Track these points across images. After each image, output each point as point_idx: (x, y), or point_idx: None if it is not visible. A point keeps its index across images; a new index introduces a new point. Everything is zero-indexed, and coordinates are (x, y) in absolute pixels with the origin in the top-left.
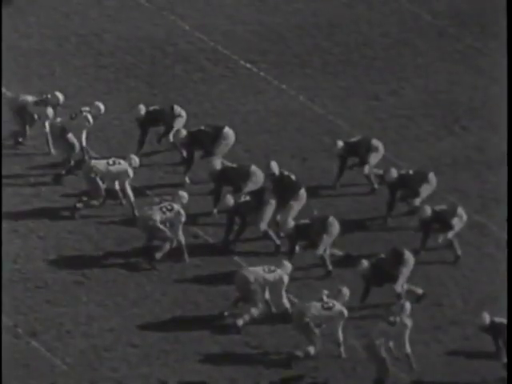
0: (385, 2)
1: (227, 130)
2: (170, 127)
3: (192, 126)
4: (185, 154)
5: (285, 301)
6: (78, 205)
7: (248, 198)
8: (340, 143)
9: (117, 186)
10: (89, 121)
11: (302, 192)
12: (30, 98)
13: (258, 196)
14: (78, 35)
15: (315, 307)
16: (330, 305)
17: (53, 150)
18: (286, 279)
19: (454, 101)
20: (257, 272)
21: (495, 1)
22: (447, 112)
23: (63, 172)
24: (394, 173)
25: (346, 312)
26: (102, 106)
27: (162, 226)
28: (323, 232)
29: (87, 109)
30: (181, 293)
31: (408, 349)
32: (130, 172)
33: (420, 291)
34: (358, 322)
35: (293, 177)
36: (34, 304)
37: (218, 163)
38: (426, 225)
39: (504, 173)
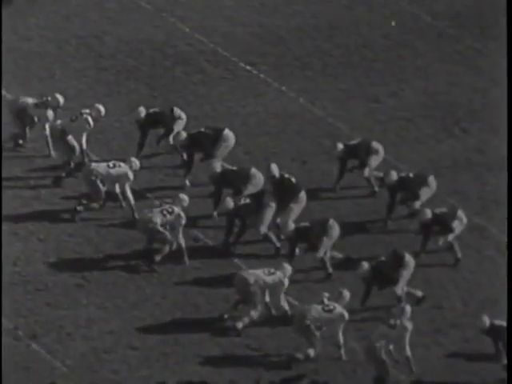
0: (385, 4)
1: (227, 132)
2: (170, 129)
3: (192, 129)
4: (185, 156)
5: (283, 303)
6: (78, 207)
7: (248, 200)
8: (340, 146)
9: (117, 188)
10: (89, 123)
11: (302, 195)
12: (30, 101)
13: (258, 199)
14: (78, 37)
15: (316, 309)
16: (331, 307)
17: (53, 153)
18: (285, 282)
19: (454, 103)
20: (257, 274)
21: (495, 2)
22: (447, 114)
23: (63, 174)
24: (393, 175)
25: (346, 314)
26: (102, 109)
27: (162, 229)
28: (323, 235)
29: (87, 111)
30: (181, 295)
31: (408, 352)
32: (131, 175)
33: (420, 294)
34: (359, 324)
35: (293, 179)
36: (34, 307)
37: (218, 166)
38: (426, 227)
39: (504, 175)
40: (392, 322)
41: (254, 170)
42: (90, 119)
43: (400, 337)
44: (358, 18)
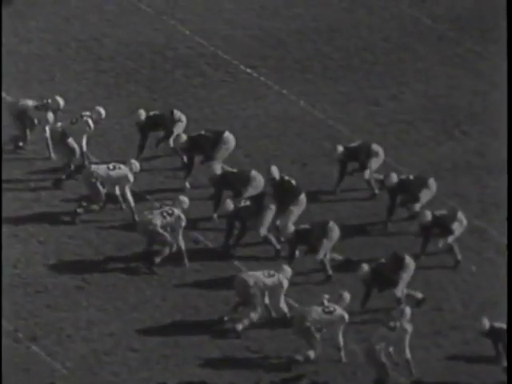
0: (385, 7)
1: (227, 134)
2: (170, 132)
3: (192, 131)
4: (185, 158)
5: (283, 305)
6: (79, 210)
7: (248, 202)
8: (340, 148)
9: (117, 190)
10: (89, 126)
11: (302, 197)
12: (30, 103)
13: (258, 201)
14: (78, 40)
15: (316, 311)
16: (331, 309)
17: (53, 155)
18: (285, 284)
19: (454, 105)
20: (256, 276)
21: (495, 5)
22: (447, 117)
23: (63, 177)
24: (394, 178)
25: (346, 316)
26: (102, 111)
27: (162, 231)
28: (323, 237)
29: (88, 113)
30: (181, 297)
31: (408, 354)
32: (131, 177)
33: (420, 296)
34: (359, 326)
35: (293, 182)
36: (34, 309)
37: (218, 168)
38: (426, 229)
39: (504, 178)
40: (392, 324)
41: (254, 173)
42: (90, 122)
43: (400, 339)
44: (358, 21)
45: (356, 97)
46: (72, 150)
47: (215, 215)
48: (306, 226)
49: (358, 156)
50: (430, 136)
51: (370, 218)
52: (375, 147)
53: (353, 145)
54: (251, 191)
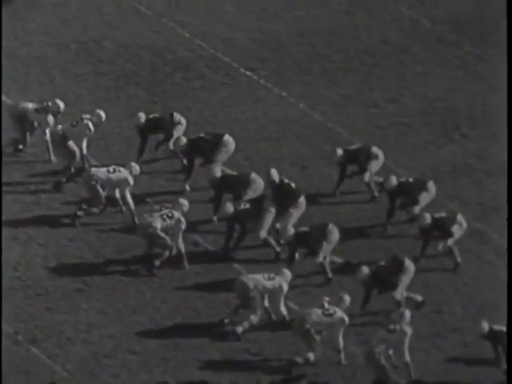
0: (384, 9)
1: (227, 137)
2: (169, 135)
3: (192, 134)
4: (185, 161)
5: (282, 308)
6: (79, 212)
7: (248, 205)
8: (339, 151)
9: (117, 193)
10: (90, 128)
11: (302, 200)
12: (30, 106)
13: (258, 203)
14: (78, 42)
15: (316, 314)
16: (331, 311)
17: (53, 158)
18: (285, 287)
19: (454, 108)
20: (256, 279)
21: (495, 7)
22: (447, 120)
23: (63, 180)
24: (393, 180)
25: (346, 319)
26: (103, 114)
27: (162, 234)
28: (323, 239)
29: (88, 116)
30: (181, 300)
31: (407, 357)
32: (131, 180)
33: (420, 298)
34: (359, 329)
35: (292, 184)
36: (34, 311)
37: (218, 170)
38: (426, 232)
39: (504, 181)
40: (391, 326)
41: (253, 175)
42: (90, 125)
43: (399, 342)
44: (357, 23)
45: (355, 99)
46: (72, 153)
47: (215, 218)
48: (306, 229)
49: (358, 159)
50: (429, 139)
51: (369, 221)
52: (375, 150)
53: (352, 147)
54: (251, 194)
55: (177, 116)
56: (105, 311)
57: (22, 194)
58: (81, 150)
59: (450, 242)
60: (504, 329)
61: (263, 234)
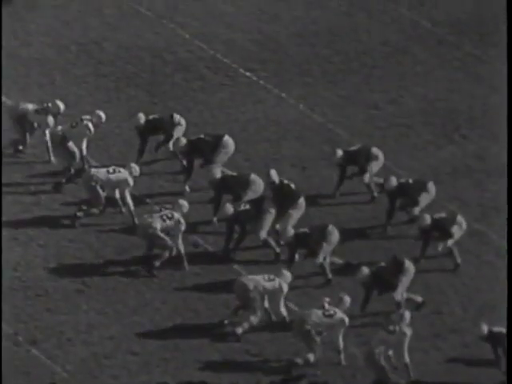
0: (384, 11)
1: (227, 138)
2: (169, 136)
3: (192, 135)
4: (185, 162)
5: (282, 309)
6: (78, 213)
7: (248, 206)
8: (339, 152)
9: (117, 194)
10: (89, 129)
11: (301, 201)
12: (30, 107)
13: (258, 204)
14: (78, 44)
15: (316, 314)
16: (331, 312)
17: (53, 159)
18: (285, 288)
19: (454, 109)
20: (256, 280)
21: (495, 8)
22: (447, 120)
23: (63, 180)
24: (393, 181)
25: (347, 319)
26: (103, 115)
27: (162, 234)
28: (323, 240)
29: (88, 117)
30: (181, 301)
31: (407, 358)
32: (130, 180)
33: (419, 299)
34: (358, 329)
35: (292, 185)
36: (34, 312)
37: (217, 171)
38: (426, 233)
39: (504, 181)
40: (391, 327)
41: (253, 176)
42: (90, 125)
43: (399, 343)
44: (357, 24)
45: (355, 100)
46: (72, 154)
47: (215, 219)
48: (306, 230)
49: (358, 160)
50: (429, 140)
51: (369, 222)
52: (375, 151)
53: (352, 149)
54: (251, 195)
55: (176, 117)
56: (105, 312)
57: (21, 195)
58: (81, 150)
59: (449, 242)
60: (503, 330)
61: (263, 234)
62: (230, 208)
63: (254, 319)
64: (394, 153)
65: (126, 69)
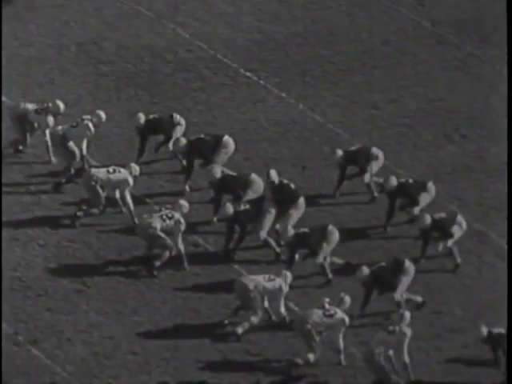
0: (384, 11)
1: (227, 138)
2: (169, 136)
3: (192, 135)
4: (184, 162)
5: (283, 310)
6: (79, 213)
7: (248, 206)
8: (339, 152)
9: (117, 194)
10: (90, 129)
11: (301, 201)
12: (30, 107)
13: (258, 204)
14: (78, 43)
15: (317, 314)
16: (332, 312)
17: (53, 159)
18: (285, 288)
19: (454, 109)
20: (257, 280)
21: (495, 9)
22: (447, 120)
23: (63, 180)
24: (393, 181)
25: (347, 319)
26: (103, 115)
27: (162, 234)
28: (323, 240)
29: (88, 117)
30: (181, 301)
31: (406, 358)
32: (130, 180)
33: (420, 299)
34: (358, 329)
35: (292, 185)
36: (34, 312)
37: (217, 171)
38: (426, 233)
39: (504, 181)
40: (391, 328)
41: (253, 176)
42: (90, 125)
43: (399, 343)
44: (357, 24)
45: (355, 100)
46: (72, 154)
47: (215, 219)
48: (306, 230)
49: (358, 160)
50: (429, 139)
51: (369, 222)
52: (375, 151)
53: (352, 148)
54: (251, 195)
55: (176, 117)
56: (105, 312)
57: (22, 195)
58: (81, 150)
59: (449, 242)
60: (503, 331)
61: (263, 234)
62: (230, 208)
63: (255, 319)
64: (394, 153)
65: (126, 68)
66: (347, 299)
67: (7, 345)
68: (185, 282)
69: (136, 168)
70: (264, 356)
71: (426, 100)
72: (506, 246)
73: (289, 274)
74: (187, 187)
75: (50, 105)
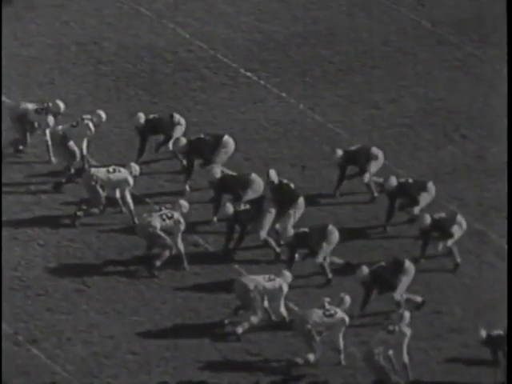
0: (384, 11)
1: (227, 138)
2: (169, 135)
3: (192, 135)
4: (184, 162)
5: (282, 310)
6: (79, 213)
7: (248, 206)
8: (339, 152)
9: (117, 194)
10: (90, 129)
11: (301, 200)
12: (30, 106)
13: (258, 204)
14: (78, 43)
15: (317, 314)
16: (332, 312)
17: (53, 158)
18: (285, 288)
19: (454, 109)
20: (256, 280)
21: (495, 9)
22: (447, 120)
23: (63, 180)
24: (393, 181)
25: (347, 319)
26: (103, 115)
27: (162, 233)
28: (323, 240)
29: (89, 117)
30: (181, 300)
31: (406, 358)
32: (130, 180)
33: (419, 299)
34: (358, 329)
35: (291, 185)
36: (34, 312)
37: (217, 171)
38: (426, 233)
39: (504, 181)
40: (391, 327)
41: (253, 176)
42: (91, 125)
43: (399, 343)
44: (357, 24)
45: (356, 100)
46: (72, 154)
47: (215, 218)
48: (306, 230)
49: (358, 160)
50: (429, 139)
51: (369, 222)
52: (375, 151)
53: (352, 148)
54: (251, 194)
55: (176, 117)
56: (105, 311)
57: (22, 195)
58: (81, 150)
59: (449, 242)
60: (502, 333)
61: (263, 234)
62: (230, 208)
63: (254, 319)
64: (394, 152)
65: (126, 68)
66: (347, 299)
67: (7, 345)
68: (185, 281)
69: (136, 168)
70: (264, 356)
71: (426, 100)
72: (506, 246)
73: (288, 274)
74: (187, 187)
75: (50, 105)
